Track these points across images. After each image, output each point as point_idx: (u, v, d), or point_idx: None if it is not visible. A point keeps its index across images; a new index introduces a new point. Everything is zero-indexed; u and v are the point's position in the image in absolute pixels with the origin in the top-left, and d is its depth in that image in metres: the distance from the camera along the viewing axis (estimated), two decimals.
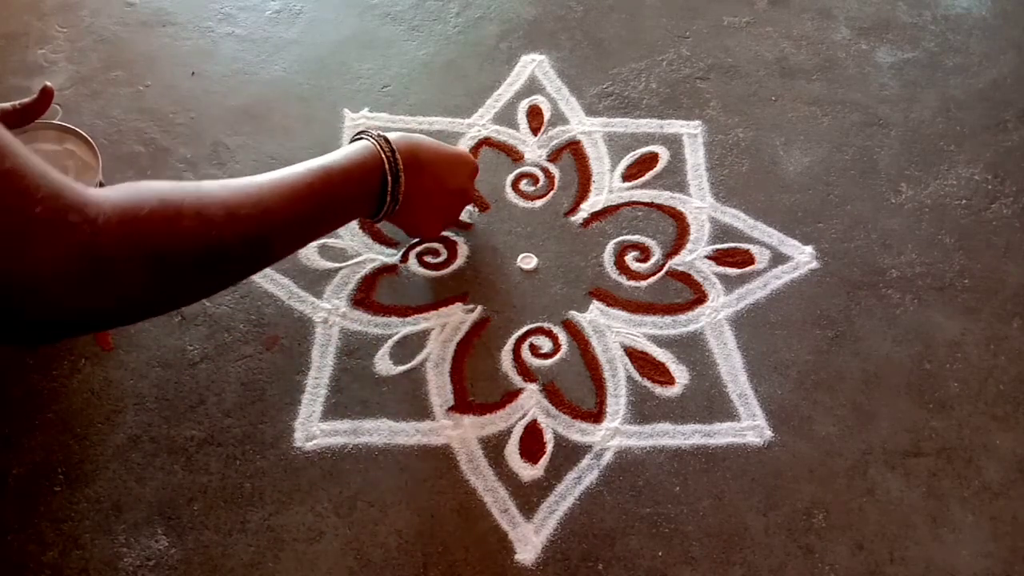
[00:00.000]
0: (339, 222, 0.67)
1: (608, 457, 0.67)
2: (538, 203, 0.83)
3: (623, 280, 0.78)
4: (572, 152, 0.87)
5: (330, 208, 0.63)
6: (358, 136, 0.67)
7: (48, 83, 0.71)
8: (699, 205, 0.83)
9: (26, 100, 0.70)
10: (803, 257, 0.80)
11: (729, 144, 0.88)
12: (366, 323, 0.74)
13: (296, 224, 0.60)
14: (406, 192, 0.66)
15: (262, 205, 0.56)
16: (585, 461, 0.67)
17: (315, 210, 0.61)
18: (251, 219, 0.54)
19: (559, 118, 0.90)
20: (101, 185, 0.73)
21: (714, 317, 0.76)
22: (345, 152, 0.64)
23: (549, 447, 0.68)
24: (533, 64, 0.94)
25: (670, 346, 0.74)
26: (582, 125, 0.89)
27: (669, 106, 0.91)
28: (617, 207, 0.83)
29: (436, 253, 0.79)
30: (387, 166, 0.65)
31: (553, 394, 0.70)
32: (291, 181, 0.60)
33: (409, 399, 0.70)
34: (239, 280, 0.61)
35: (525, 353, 0.73)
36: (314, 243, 0.78)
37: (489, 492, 0.65)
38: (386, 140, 0.66)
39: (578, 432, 0.68)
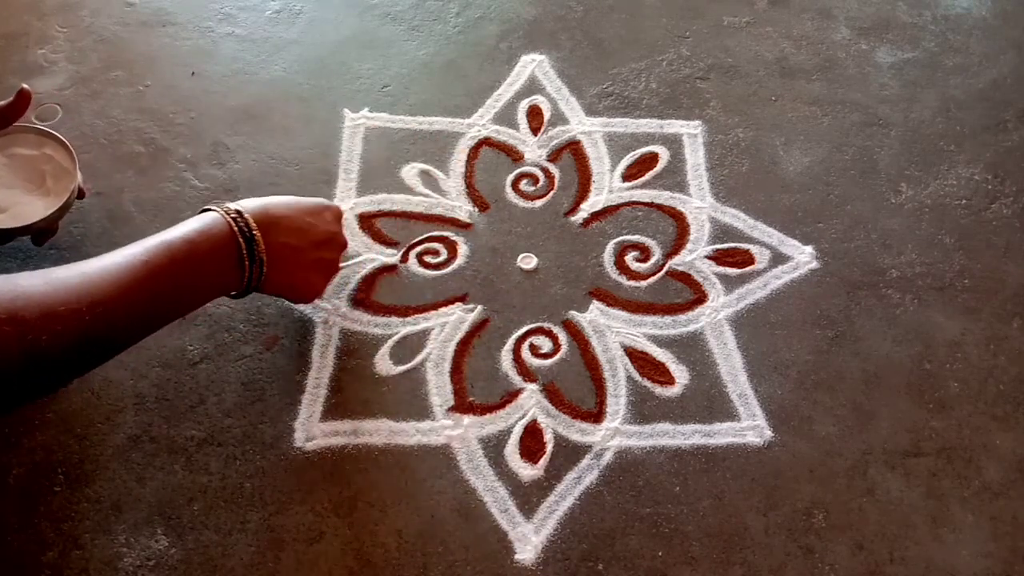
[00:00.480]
0: (196, 299, 0.61)
1: (608, 457, 0.67)
2: (538, 203, 0.83)
3: (623, 280, 0.78)
4: (572, 152, 0.87)
5: (179, 286, 0.57)
6: (203, 210, 0.62)
7: (25, 86, 0.72)
8: (699, 205, 0.83)
9: (2, 103, 0.71)
10: (803, 257, 0.80)
11: (729, 144, 0.88)
12: (366, 323, 0.74)
13: (136, 311, 0.54)
14: (270, 253, 0.62)
15: (88, 297, 0.51)
16: (585, 461, 0.67)
17: (159, 292, 0.56)
18: (74, 316, 0.50)
19: (559, 118, 0.90)
20: (80, 190, 0.73)
21: (714, 317, 0.76)
22: (186, 224, 0.60)
23: (549, 447, 0.68)
24: (533, 64, 0.94)
25: (670, 346, 0.74)
26: (582, 125, 0.89)
27: (669, 106, 0.91)
28: (617, 207, 0.83)
29: (436, 253, 0.79)
30: (235, 227, 0.60)
31: (553, 394, 0.70)
32: (125, 264, 0.54)
33: (409, 399, 0.70)
34: (80, 375, 0.55)
35: (525, 353, 0.73)
36: None
37: (489, 492, 0.65)
38: (231, 207, 0.62)
39: (578, 432, 0.68)
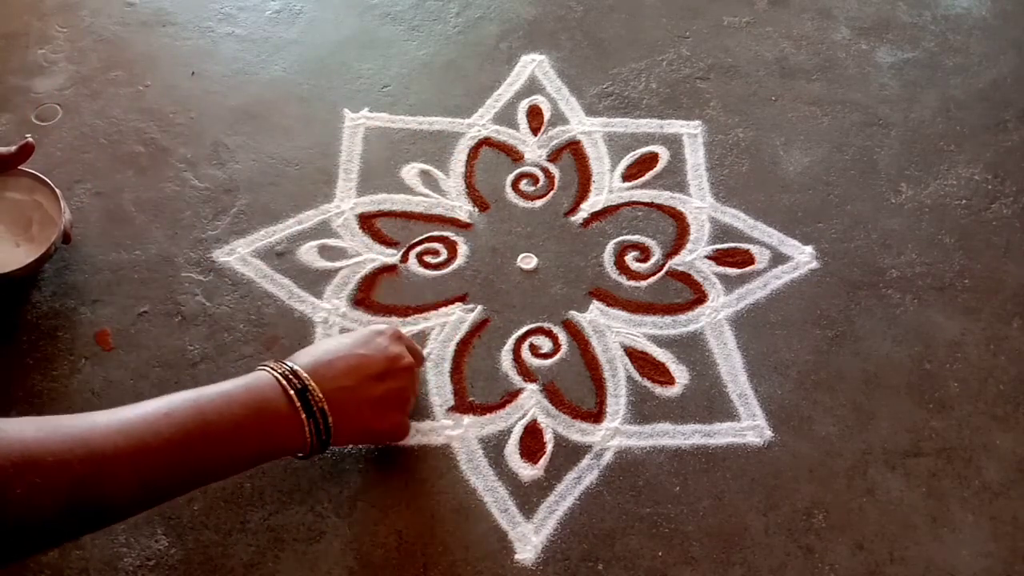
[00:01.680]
0: (239, 462, 0.53)
1: (608, 457, 0.67)
2: (538, 203, 0.83)
3: (623, 280, 0.78)
4: (572, 152, 0.87)
5: (211, 447, 0.50)
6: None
7: (30, 137, 0.73)
8: (699, 205, 0.83)
9: (6, 150, 0.72)
10: (803, 257, 0.80)
11: (729, 144, 0.88)
12: (366, 323, 0.74)
13: (148, 472, 0.46)
14: (330, 403, 0.56)
15: (84, 449, 0.43)
16: (585, 461, 0.67)
17: (181, 450, 0.48)
18: (61, 468, 0.42)
19: (559, 118, 0.90)
20: (66, 235, 0.73)
21: (714, 317, 0.76)
22: (228, 381, 0.54)
23: (549, 447, 0.68)
24: (533, 64, 0.94)
25: (670, 346, 0.74)
26: (582, 125, 0.89)
27: (669, 106, 0.91)
28: (617, 207, 0.83)
29: (436, 253, 0.79)
30: (284, 381, 0.54)
31: (553, 394, 0.70)
32: (141, 416, 0.47)
33: None
34: (67, 540, 0.48)
35: (525, 353, 0.73)
36: (312, 243, 0.78)
37: (489, 492, 0.65)
38: (284, 363, 0.57)
39: (578, 432, 0.68)
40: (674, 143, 0.88)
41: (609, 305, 0.76)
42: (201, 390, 0.52)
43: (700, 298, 0.77)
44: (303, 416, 0.54)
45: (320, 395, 0.55)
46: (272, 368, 0.56)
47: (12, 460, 0.41)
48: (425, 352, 0.72)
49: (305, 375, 0.56)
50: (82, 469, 0.43)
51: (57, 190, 0.74)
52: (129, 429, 0.46)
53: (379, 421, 0.61)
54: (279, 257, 0.78)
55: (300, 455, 0.57)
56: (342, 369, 0.58)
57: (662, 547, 0.63)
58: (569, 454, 0.67)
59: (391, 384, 0.61)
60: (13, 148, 0.72)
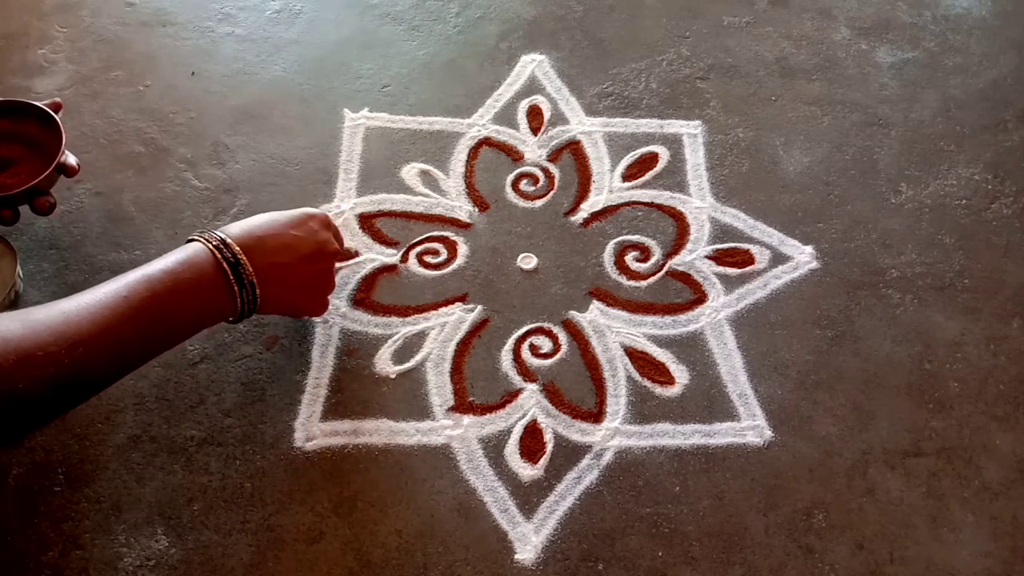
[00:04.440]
0: (184, 330, 0.59)
1: (608, 457, 0.67)
2: (538, 203, 0.83)
3: (623, 280, 0.78)
4: (572, 152, 0.87)
5: (163, 320, 0.56)
6: (188, 241, 0.61)
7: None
8: (699, 205, 0.83)
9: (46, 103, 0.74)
10: (803, 257, 0.80)
11: (729, 144, 0.88)
12: (366, 323, 0.74)
13: (118, 349, 0.53)
14: (259, 275, 0.60)
15: (67, 339, 0.50)
16: (585, 461, 0.67)
17: (141, 327, 0.54)
18: (52, 360, 0.49)
19: (559, 118, 0.90)
20: (14, 296, 0.71)
21: (714, 317, 0.76)
22: (167, 256, 0.58)
23: (549, 447, 0.68)
24: (533, 64, 0.94)
25: (670, 346, 0.74)
26: (582, 125, 0.89)
27: (669, 106, 0.91)
28: (617, 207, 0.83)
29: (436, 253, 0.79)
30: (218, 255, 0.59)
31: (553, 394, 0.70)
32: (104, 302, 0.53)
33: (409, 399, 0.70)
34: (60, 414, 0.54)
35: (525, 353, 0.73)
36: None
37: (489, 492, 0.65)
38: (215, 234, 0.60)
39: (578, 432, 0.68)
40: (674, 143, 0.88)
41: (609, 305, 0.76)
42: (148, 270, 0.56)
43: (700, 298, 0.77)
44: (236, 288, 0.59)
45: (251, 269, 0.60)
46: (206, 240, 0.60)
47: (12, 359, 0.47)
48: (425, 352, 0.72)
49: (237, 249, 0.60)
50: (67, 358, 0.50)
51: (15, 250, 0.71)
52: (96, 316, 0.52)
53: (302, 299, 0.67)
54: None
55: (231, 320, 0.62)
56: (274, 247, 0.62)
57: (662, 547, 0.63)
58: (569, 454, 0.67)
59: (316, 266, 0.66)
60: (48, 101, 0.74)
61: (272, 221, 0.64)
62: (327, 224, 0.68)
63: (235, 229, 0.62)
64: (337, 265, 0.72)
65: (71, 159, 0.73)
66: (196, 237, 0.60)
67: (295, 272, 0.64)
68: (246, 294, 0.60)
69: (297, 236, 0.64)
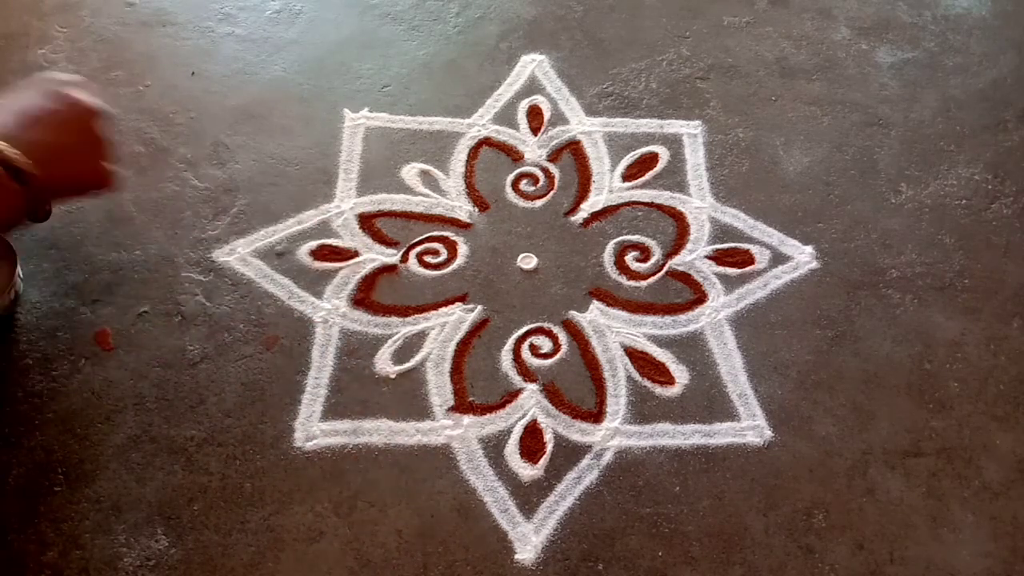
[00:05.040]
0: None
1: (608, 457, 0.67)
2: (538, 203, 0.83)
3: (623, 280, 0.78)
4: (572, 152, 0.87)
5: None
6: None
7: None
8: (699, 205, 0.83)
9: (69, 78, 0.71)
10: (803, 257, 0.80)
11: (729, 144, 0.88)
12: (366, 323, 0.74)
13: None
14: (37, 156, 0.56)
15: None
16: (585, 461, 0.67)
17: None
18: None
19: (559, 118, 0.90)
20: (14, 296, 0.71)
21: (714, 317, 0.76)
22: None
23: (549, 447, 0.68)
24: (533, 64, 0.94)
25: (670, 346, 0.74)
26: (582, 125, 0.89)
27: (669, 106, 0.91)
28: (617, 207, 0.83)
29: (436, 253, 0.79)
30: None
31: (553, 394, 0.70)
32: None
33: (409, 399, 0.70)
34: None
35: (525, 353, 0.73)
36: (312, 243, 0.78)
37: (489, 492, 0.65)
38: None
39: (578, 432, 0.68)
40: (674, 143, 0.88)
41: (609, 305, 0.76)
42: None
43: (700, 298, 0.77)
44: (13, 184, 0.55)
45: (23, 158, 0.55)
46: None
47: None
48: (425, 352, 0.72)
49: (2, 144, 0.55)
50: None
51: (16, 257, 0.71)
52: None
53: (80, 168, 0.62)
54: (279, 257, 0.78)
55: (29, 220, 0.58)
56: (32, 126, 0.58)
57: (662, 547, 0.63)
58: (569, 454, 0.67)
59: (82, 126, 0.61)
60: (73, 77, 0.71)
61: (21, 103, 0.60)
62: (67, 83, 0.63)
63: None
64: (340, 264, 0.71)
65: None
66: None
67: (62, 141, 0.59)
68: (29, 186, 0.56)
69: (52, 109, 0.60)
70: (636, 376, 0.72)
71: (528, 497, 0.65)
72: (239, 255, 0.77)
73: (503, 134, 0.88)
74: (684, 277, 0.78)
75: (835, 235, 0.82)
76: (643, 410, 0.70)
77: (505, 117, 0.90)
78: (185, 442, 0.67)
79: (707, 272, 0.79)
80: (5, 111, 0.59)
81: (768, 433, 0.69)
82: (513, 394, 0.70)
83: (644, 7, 1.01)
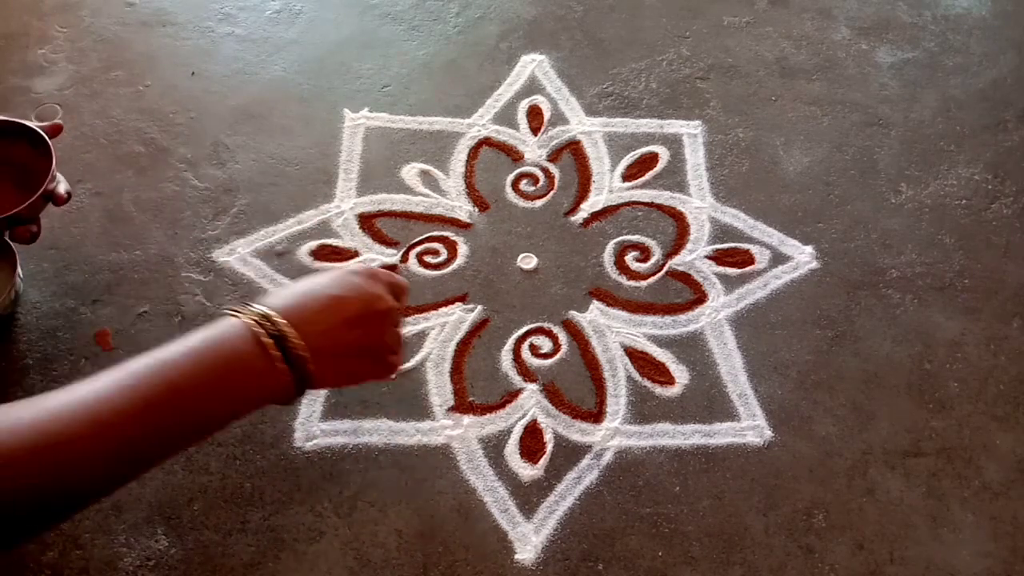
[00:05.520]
0: (211, 423, 0.48)
1: (608, 457, 0.67)
2: (538, 203, 0.83)
3: (623, 280, 0.78)
4: (572, 152, 0.87)
5: (182, 413, 0.46)
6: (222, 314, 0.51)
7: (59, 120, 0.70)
8: (699, 205, 0.83)
9: (43, 125, 0.69)
10: (803, 257, 0.80)
11: (729, 144, 0.88)
12: None
13: (119, 450, 0.43)
14: (311, 347, 0.50)
15: (51, 437, 0.41)
16: (585, 461, 0.67)
17: (152, 424, 0.44)
18: (32, 460, 0.40)
19: (559, 118, 0.90)
20: (14, 296, 0.71)
21: (714, 317, 0.76)
22: (194, 335, 0.48)
23: (549, 447, 0.68)
24: (533, 64, 0.94)
25: (670, 346, 0.74)
26: (582, 125, 0.89)
27: (669, 106, 0.91)
28: (617, 207, 0.83)
29: (436, 253, 0.79)
30: (259, 328, 0.48)
31: (553, 394, 0.70)
32: (104, 393, 0.44)
33: (409, 399, 0.70)
34: (47, 528, 0.44)
35: (525, 353, 0.73)
36: (312, 243, 0.78)
37: (489, 492, 0.65)
38: (254, 308, 0.50)
39: (578, 432, 0.68)
40: (674, 143, 0.88)
41: (609, 305, 0.76)
42: (164, 354, 0.46)
43: (700, 298, 0.77)
44: (282, 367, 0.49)
45: (299, 340, 0.50)
46: (241, 313, 0.49)
47: None
48: (425, 352, 0.72)
49: (281, 320, 0.50)
50: (52, 457, 0.41)
51: (17, 257, 0.71)
52: (87, 412, 0.42)
53: (359, 364, 0.56)
54: (279, 257, 0.78)
55: (281, 402, 0.53)
56: (318, 312, 0.52)
57: (662, 547, 0.63)
58: (569, 454, 0.67)
59: (369, 327, 0.56)
60: (46, 124, 0.69)
61: (311, 286, 0.55)
62: (373, 277, 0.58)
63: (273, 299, 0.52)
64: (340, 264, 0.71)
65: (61, 187, 0.68)
66: (228, 311, 0.50)
67: (344, 338, 0.54)
68: (296, 372, 0.50)
69: (341, 297, 0.54)
70: (636, 376, 0.72)
71: (528, 497, 0.65)
72: (239, 255, 0.77)
73: (503, 134, 0.88)
74: (684, 277, 0.78)
75: (835, 235, 0.82)
76: (643, 410, 0.70)
77: (505, 117, 0.89)
78: None
79: (707, 272, 0.79)
80: (293, 292, 0.53)
81: (768, 433, 0.69)
82: (513, 394, 0.70)
83: (644, 7, 1.01)
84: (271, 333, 0.49)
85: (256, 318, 0.49)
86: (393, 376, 0.59)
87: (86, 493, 0.43)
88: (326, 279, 0.56)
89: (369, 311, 0.56)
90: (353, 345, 0.55)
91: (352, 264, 0.60)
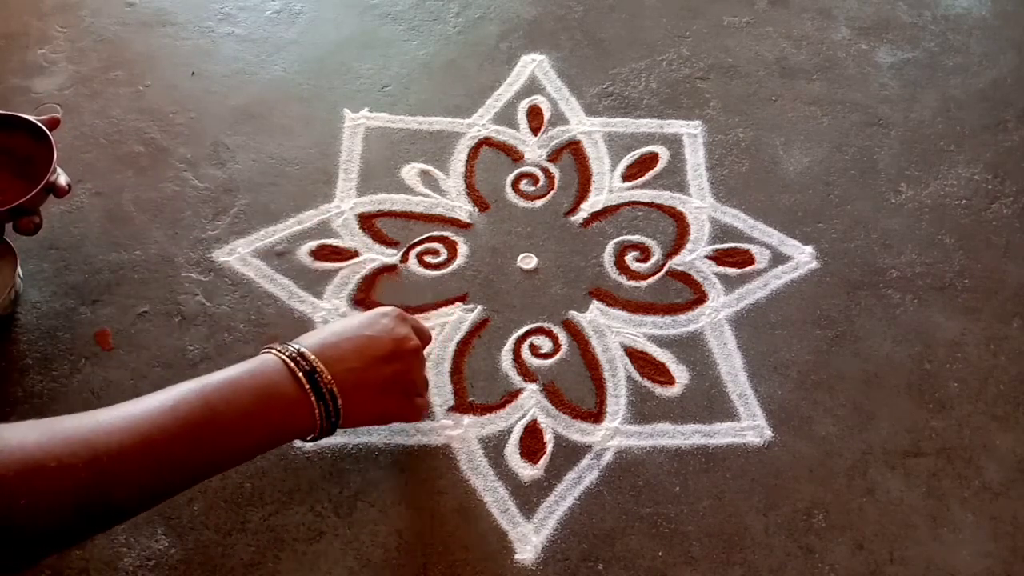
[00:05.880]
0: (245, 450, 0.51)
1: (608, 457, 0.67)
2: (538, 203, 0.83)
3: (623, 280, 0.78)
4: (572, 152, 0.87)
5: (219, 436, 0.49)
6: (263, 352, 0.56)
7: (57, 114, 0.71)
8: (699, 205, 0.83)
9: (42, 118, 0.70)
10: (803, 257, 0.80)
11: (729, 144, 0.88)
12: None
13: (155, 468, 0.46)
14: (339, 383, 0.54)
15: (90, 451, 0.43)
16: (585, 461, 0.67)
17: (189, 444, 0.47)
18: (66, 473, 0.41)
19: (559, 118, 0.90)
20: (14, 296, 0.71)
21: (714, 317, 0.76)
22: (234, 367, 0.52)
23: (549, 447, 0.68)
24: (533, 64, 0.94)
25: (670, 346, 0.74)
26: (582, 125, 0.89)
27: (669, 106, 0.91)
28: (617, 207, 0.83)
29: (436, 253, 0.79)
30: (292, 364, 0.53)
31: (553, 394, 0.70)
32: (146, 412, 0.46)
33: None
34: (79, 542, 0.47)
35: (525, 353, 0.73)
36: (312, 243, 0.79)
37: (489, 492, 0.65)
38: (291, 345, 0.55)
39: (578, 432, 0.68)
40: (674, 143, 0.88)
41: (609, 305, 0.76)
42: (206, 379, 0.50)
43: (700, 298, 0.77)
44: (312, 399, 0.53)
45: (329, 377, 0.54)
46: (278, 350, 0.54)
47: (15, 469, 0.40)
48: (425, 352, 0.72)
49: (312, 357, 0.54)
50: (87, 473, 0.42)
51: (16, 253, 0.71)
52: (133, 427, 0.45)
53: (387, 403, 0.60)
54: (279, 257, 0.78)
55: (309, 438, 0.56)
56: (349, 351, 0.56)
57: (662, 547, 0.63)
58: (569, 454, 0.67)
59: (398, 366, 0.59)
60: (44, 117, 0.71)
61: (344, 327, 0.59)
62: (403, 319, 0.62)
63: (308, 340, 0.56)
64: (340, 264, 0.72)
65: (62, 179, 0.69)
66: (268, 349, 0.55)
67: (374, 376, 0.57)
68: (326, 407, 0.54)
69: (371, 337, 0.58)
70: (636, 376, 0.72)
71: (528, 497, 0.65)
72: (239, 255, 0.77)
73: (503, 134, 0.88)
74: (684, 277, 0.78)
75: (835, 235, 0.82)
76: (643, 410, 0.70)
77: (505, 117, 0.90)
78: None
79: (707, 272, 0.79)
80: (327, 332, 0.58)
81: (768, 433, 0.69)
82: (513, 394, 0.70)
83: (644, 7, 1.01)
84: (304, 369, 0.53)
85: (291, 355, 0.53)
86: (422, 418, 0.64)
87: (124, 507, 0.45)
88: (357, 320, 0.60)
89: (399, 351, 0.59)
90: (383, 383, 0.58)
91: (383, 307, 0.62)
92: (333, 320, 0.71)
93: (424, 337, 0.64)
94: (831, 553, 0.63)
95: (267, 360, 0.53)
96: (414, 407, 0.63)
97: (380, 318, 0.60)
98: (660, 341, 0.74)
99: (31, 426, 0.43)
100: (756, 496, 0.66)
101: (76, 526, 0.43)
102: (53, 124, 0.71)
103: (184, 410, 0.47)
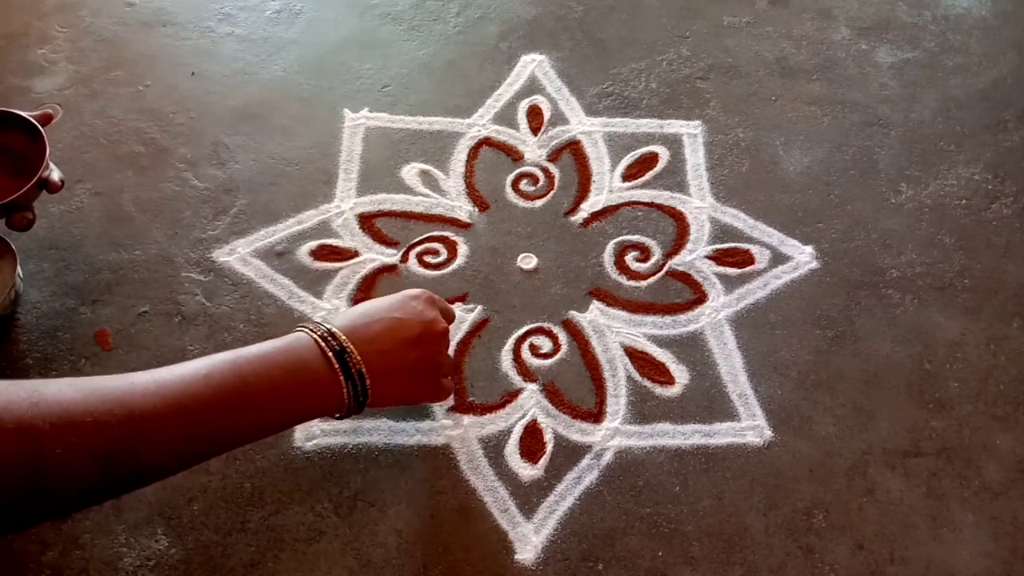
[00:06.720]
0: (273, 422, 0.53)
1: (608, 457, 0.67)
2: (538, 203, 0.83)
3: (623, 280, 0.78)
4: (572, 152, 0.87)
5: (249, 406, 0.50)
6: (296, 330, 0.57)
7: (51, 110, 0.71)
8: (699, 205, 0.83)
9: (35, 114, 0.70)
10: (803, 257, 0.80)
11: (729, 144, 0.88)
12: None
13: (184, 432, 0.47)
14: (368, 363, 0.56)
15: (123, 409, 0.44)
16: (585, 461, 0.67)
17: (220, 411, 0.48)
18: (99, 429, 0.42)
19: (559, 118, 0.90)
20: (14, 296, 0.71)
21: (714, 317, 0.76)
22: (267, 342, 0.54)
23: (549, 447, 0.68)
24: (533, 64, 0.94)
25: (670, 346, 0.74)
26: (582, 125, 0.89)
27: (669, 106, 0.91)
28: (617, 207, 0.83)
29: (436, 253, 0.79)
30: (323, 343, 0.54)
31: (553, 394, 0.70)
32: (179, 377, 0.48)
33: None
34: (102, 500, 0.46)
35: (525, 353, 0.73)
36: (312, 243, 0.79)
37: (489, 492, 0.65)
38: (322, 325, 0.56)
39: (578, 432, 0.68)
40: (674, 143, 0.88)
41: (609, 305, 0.76)
42: (240, 351, 0.52)
43: (700, 298, 0.77)
44: (342, 378, 0.54)
45: (358, 357, 0.55)
46: (310, 329, 0.55)
47: (50, 421, 0.41)
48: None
49: (343, 337, 0.55)
50: (119, 431, 0.43)
51: (15, 251, 0.71)
52: (167, 391, 0.46)
53: (414, 385, 0.61)
54: (279, 257, 0.78)
55: (337, 416, 0.57)
56: (379, 332, 0.57)
57: (662, 547, 0.63)
58: (569, 454, 0.67)
59: (426, 348, 0.60)
60: (37, 113, 0.71)
61: (373, 308, 0.60)
62: (431, 302, 0.63)
63: (338, 320, 0.57)
64: (340, 264, 0.72)
65: (55, 174, 0.69)
66: (301, 327, 0.56)
67: (403, 358, 0.58)
68: (354, 386, 0.55)
69: (400, 319, 0.59)
70: (636, 376, 0.72)
71: (528, 497, 0.65)
72: (239, 255, 0.77)
73: (503, 134, 0.88)
74: (684, 277, 0.78)
75: (835, 235, 0.82)
76: (643, 410, 0.70)
77: (505, 117, 0.90)
78: None
79: (707, 272, 0.79)
80: (358, 313, 0.59)
81: (768, 433, 0.69)
82: (513, 394, 0.70)
83: (644, 7, 1.01)
84: (334, 349, 0.54)
85: (323, 334, 0.55)
86: (446, 400, 0.65)
87: (151, 468, 0.47)
88: (388, 302, 0.61)
89: (428, 333, 0.60)
90: (411, 364, 0.59)
91: (413, 290, 0.62)
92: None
93: (449, 317, 0.65)
94: (831, 553, 0.63)
95: (300, 338, 0.54)
96: (440, 388, 0.64)
97: (410, 300, 0.61)
98: (660, 341, 0.74)
99: (68, 383, 0.44)
100: (756, 496, 0.66)
101: (104, 482, 0.44)
102: (46, 119, 0.71)
103: (217, 379, 0.49)
